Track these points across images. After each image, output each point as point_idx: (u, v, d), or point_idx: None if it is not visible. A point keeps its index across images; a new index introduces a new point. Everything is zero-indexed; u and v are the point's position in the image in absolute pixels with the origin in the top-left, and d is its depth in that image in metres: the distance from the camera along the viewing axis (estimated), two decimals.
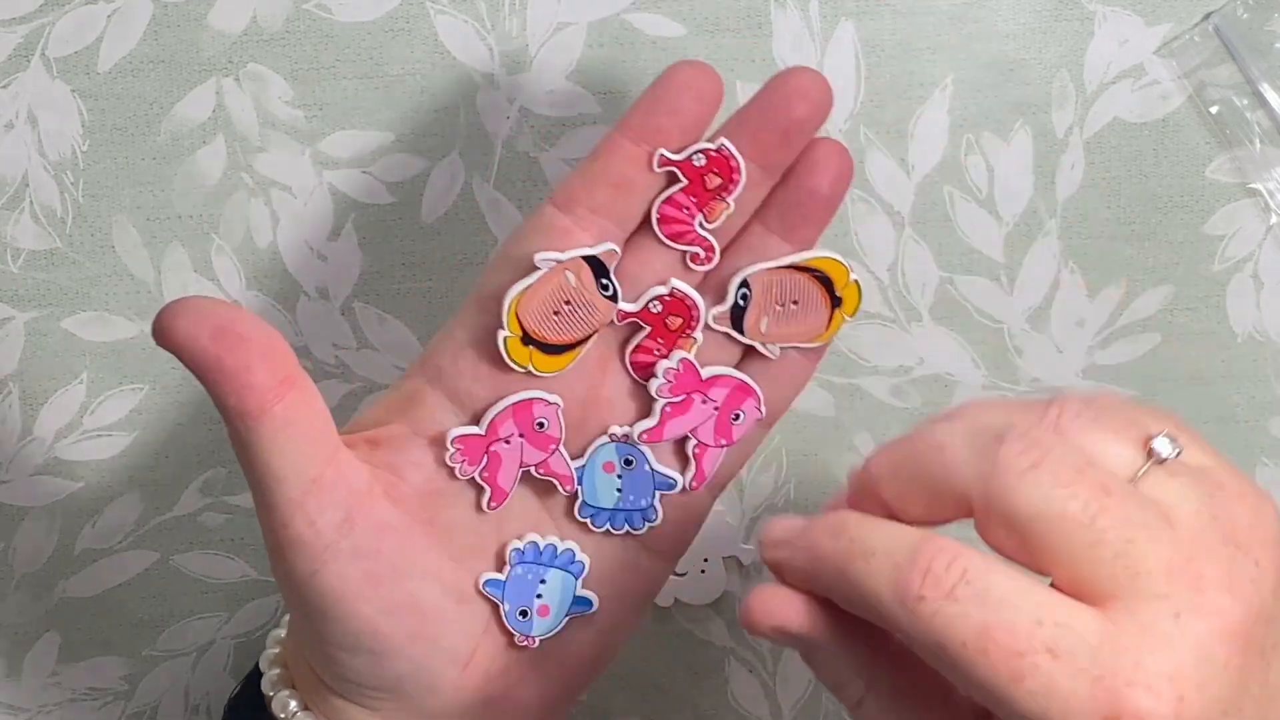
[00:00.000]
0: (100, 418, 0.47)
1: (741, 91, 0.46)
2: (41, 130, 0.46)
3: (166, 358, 0.47)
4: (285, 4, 0.45)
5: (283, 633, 0.42)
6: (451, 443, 0.37)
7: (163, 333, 0.34)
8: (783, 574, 0.33)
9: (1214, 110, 0.46)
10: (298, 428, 0.35)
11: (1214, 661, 0.31)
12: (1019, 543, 0.32)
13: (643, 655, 0.49)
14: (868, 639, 0.33)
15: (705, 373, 0.39)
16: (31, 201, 0.46)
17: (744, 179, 0.37)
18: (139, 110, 0.46)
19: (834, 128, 0.46)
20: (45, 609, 0.48)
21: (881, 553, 0.31)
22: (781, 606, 0.33)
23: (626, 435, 0.39)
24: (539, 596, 0.39)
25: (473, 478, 0.38)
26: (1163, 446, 0.32)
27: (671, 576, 0.46)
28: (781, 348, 0.39)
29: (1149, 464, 0.32)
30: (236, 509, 0.48)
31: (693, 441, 0.39)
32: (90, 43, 0.45)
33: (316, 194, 0.46)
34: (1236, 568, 0.32)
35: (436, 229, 0.46)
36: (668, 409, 0.38)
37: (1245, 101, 0.46)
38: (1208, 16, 0.46)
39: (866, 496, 0.34)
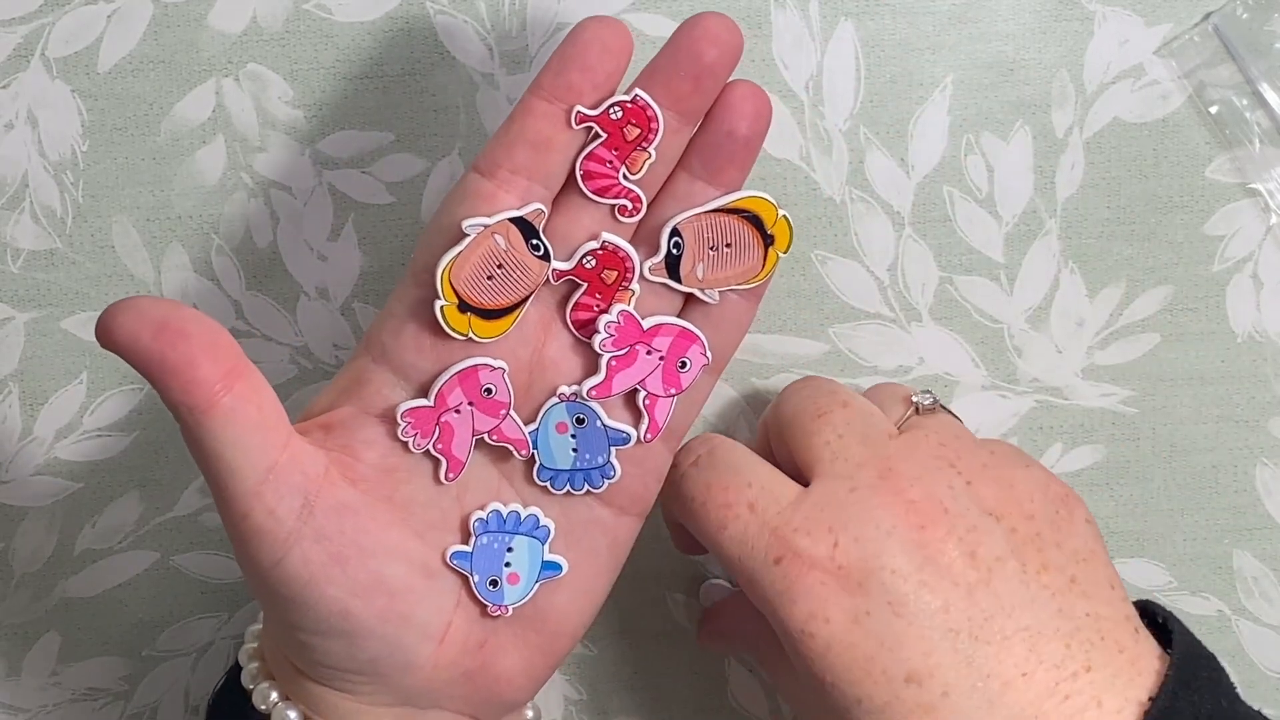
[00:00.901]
0: (100, 418, 0.47)
1: None
2: (41, 130, 0.46)
3: None
4: (285, 4, 0.45)
5: (260, 626, 0.42)
6: (401, 416, 0.37)
7: (105, 334, 0.34)
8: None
9: (1214, 110, 0.46)
10: (247, 418, 0.35)
11: (876, 524, 0.37)
12: (779, 442, 0.40)
13: (643, 655, 0.49)
14: (770, 638, 0.40)
15: (646, 323, 0.39)
16: (31, 201, 0.46)
17: (662, 127, 0.38)
18: (139, 110, 0.46)
19: (834, 127, 0.46)
20: (45, 609, 0.48)
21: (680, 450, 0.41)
22: (715, 632, 0.46)
23: (575, 394, 0.39)
24: (507, 565, 0.39)
25: (427, 450, 0.38)
26: (921, 399, 0.41)
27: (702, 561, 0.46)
28: (720, 292, 0.40)
29: (909, 412, 0.41)
30: None
31: (642, 393, 0.39)
32: (90, 43, 0.45)
33: (316, 194, 0.46)
34: (937, 474, 0.38)
35: None
36: (613, 363, 0.39)
37: (1245, 101, 0.46)
38: (1208, 16, 0.46)
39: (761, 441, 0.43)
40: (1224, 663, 0.49)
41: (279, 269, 0.46)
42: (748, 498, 0.38)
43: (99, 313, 0.46)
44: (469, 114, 0.46)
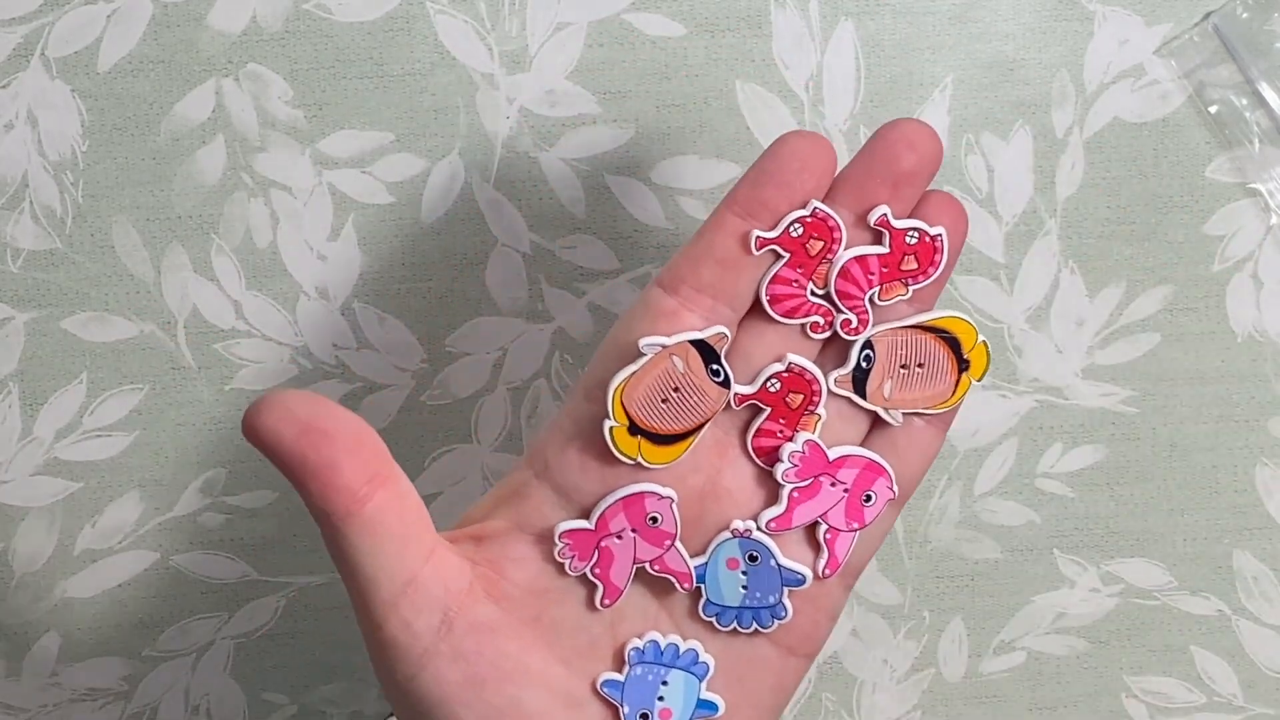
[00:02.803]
0: (100, 418, 0.47)
1: (741, 91, 0.46)
2: (41, 130, 0.46)
3: (166, 358, 0.47)
4: (285, 4, 0.45)
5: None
6: (559, 537, 0.35)
7: (250, 430, 0.33)
8: None
9: (1214, 110, 0.46)
10: (389, 529, 0.34)
11: None
12: None
13: None
14: None
15: (832, 454, 0.37)
16: (31, 201, 0.46)
17: (845, 236, 0.35)
18: (139, 110, 0.46)
19: (834, 127, 0.46)
20: (45, 609, 0.48)
21: None
22: None
23: (748, 530, 0.37)
24: (660, 699, 0.37)
25: (584, 574, 0.36)
26: None
27: None
28: (904, 414, 0.37)
29: None
30: (236, 509, 0.48)
31: (823, 527, 0.37)
32: (90, 43, 0.45)
33: (316, 194, 0.46)
34: None
35: (436, 229, 0.46)
36: (795, 494, 0.36)
37: (1245, 101, 0.46)
38: (1208, 16, 0.46)
39: None
40: (1224, 663, 0.49)
41: (279, 269, 0.46)
42: None
43: (99, 313, 0.46)
44: (469, 114, 0.46)
